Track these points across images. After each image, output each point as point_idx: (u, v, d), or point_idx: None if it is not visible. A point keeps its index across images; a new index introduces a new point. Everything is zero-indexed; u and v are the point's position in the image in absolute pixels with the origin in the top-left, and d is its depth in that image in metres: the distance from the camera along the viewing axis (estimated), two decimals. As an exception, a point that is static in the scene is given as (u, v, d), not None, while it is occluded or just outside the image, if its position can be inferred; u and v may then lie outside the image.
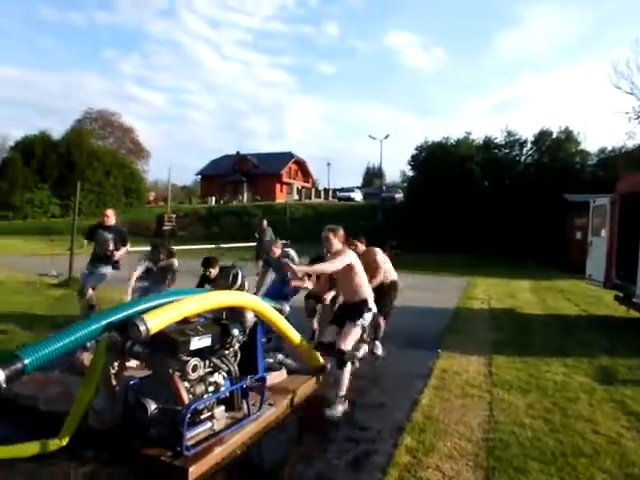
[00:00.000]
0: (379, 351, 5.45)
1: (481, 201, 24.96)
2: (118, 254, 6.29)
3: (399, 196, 35.99)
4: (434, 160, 27.63)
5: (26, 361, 2.20)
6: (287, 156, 49.95)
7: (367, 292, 4.10)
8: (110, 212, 6.50)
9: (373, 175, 62.85)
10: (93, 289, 6.12)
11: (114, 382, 3.07)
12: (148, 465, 2.78)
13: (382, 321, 5.49)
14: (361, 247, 5.37)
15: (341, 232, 4.11)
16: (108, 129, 53.28)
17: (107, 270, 6.26)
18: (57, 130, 47.95)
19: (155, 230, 28.29)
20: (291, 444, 3.37)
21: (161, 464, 2.73)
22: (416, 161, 30.07)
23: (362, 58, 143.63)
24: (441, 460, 3.01)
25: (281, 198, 42.84)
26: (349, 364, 3.85)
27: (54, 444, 2.87)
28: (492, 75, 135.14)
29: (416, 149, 30.13)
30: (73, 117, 60.58)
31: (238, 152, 50.84)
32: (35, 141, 41.39)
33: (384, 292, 5.36)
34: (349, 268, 3.98)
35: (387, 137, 32.92)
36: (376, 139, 32.91)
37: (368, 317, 3.99)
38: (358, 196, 40.44)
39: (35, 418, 3.30)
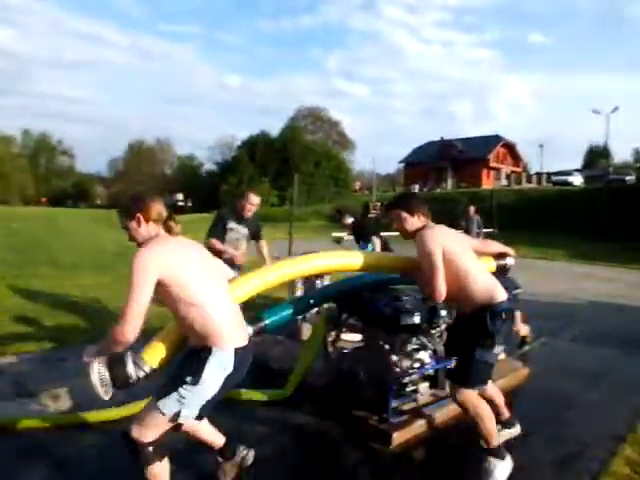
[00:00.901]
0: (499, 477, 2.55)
1: None
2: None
3: (631, 178, 30.97)
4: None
5: (267, 321, 2.69)
6: (494, 139, 47.22)
7: (207, 331, 1.96)
8: (258, 200, 4.57)
9: (597, 155, 55.33)
10: None
11: (330, 349, 3.51)
12: (355, 424, 3.10)
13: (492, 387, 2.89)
14: (415, 223, 2.69)
15: (142, 203, 2.05)
16: (317, 124, 57.77)
17: None
18: (275, 128, 54.27)
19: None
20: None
21: (367, 426, 3.03)
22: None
23: (582, 19, 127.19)
24: (673, 481, 2.65)
25: (488, 184, 40.75)
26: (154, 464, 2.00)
27: (281, 394, 3.42)
28: None
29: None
30: (287, 115, 67.50)
31: (442, 138, 49.95)
32: (257, 140, 47.21)
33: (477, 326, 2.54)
34: (160, 284, 1.91)
35: (615, 110, 28.77)
36: (600, 113, 29.02)
37: (188, 396, 1.93)
38: (577, 180, 35.87)
39: (266, 371, 3.92)
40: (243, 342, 2.05)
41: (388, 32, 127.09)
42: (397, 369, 3.04)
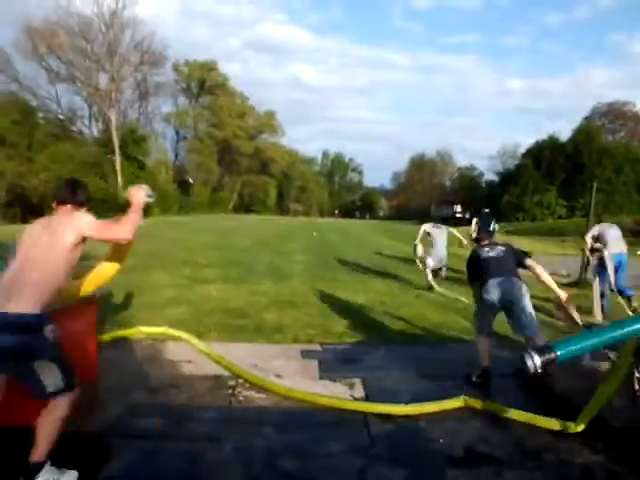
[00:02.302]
0: None
1: None
2: None
3: None
4: None
5: (558, 352, 2.46)
6: None
7: None
8: None
9: None
10: None
11: (636, 385, 3.07)
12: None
13: None
14: None
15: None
16: (619, 121, 49.99)
17: None
18: (565, 132, 49.37)
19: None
20: None
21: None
22: None
23: None
24: None
25: None
26: None
27: (572, 427, 3.20)
28: None
29: None
30: (581, 115, 60.28)
31: None
32: (544, 146, 43.66)
33: None
34: None
35: None
36: None
37: None
38: None
39: (557, 399, 3.73)
40: None
41: None
42: None
